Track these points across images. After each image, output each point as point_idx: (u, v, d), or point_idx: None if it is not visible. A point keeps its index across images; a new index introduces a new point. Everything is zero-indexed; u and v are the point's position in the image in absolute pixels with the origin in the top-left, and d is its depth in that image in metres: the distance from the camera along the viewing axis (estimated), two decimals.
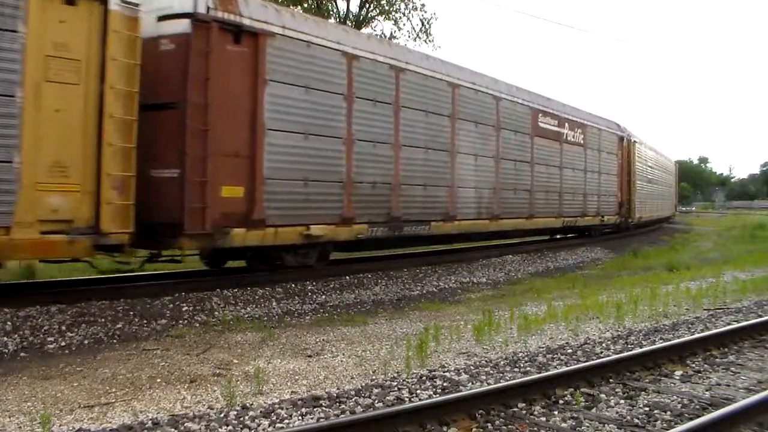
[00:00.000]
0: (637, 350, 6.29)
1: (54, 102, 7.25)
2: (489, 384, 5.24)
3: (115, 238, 7.77)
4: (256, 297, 9.51)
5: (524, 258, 16.76)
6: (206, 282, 9.71)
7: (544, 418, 4.55)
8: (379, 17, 28.66)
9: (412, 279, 12.46)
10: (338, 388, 5.19)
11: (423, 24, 28.12)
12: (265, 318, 8.73)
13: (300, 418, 4.48)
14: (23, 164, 6.98)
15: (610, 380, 5.44)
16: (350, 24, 26.10)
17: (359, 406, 4.70)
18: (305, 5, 25.46)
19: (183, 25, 8.59)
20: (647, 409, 4.79)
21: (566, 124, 18.94)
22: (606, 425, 4.43)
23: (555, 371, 5.43)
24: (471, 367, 5.88)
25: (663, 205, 34.98)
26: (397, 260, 13.92)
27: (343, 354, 6.48)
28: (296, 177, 10.02)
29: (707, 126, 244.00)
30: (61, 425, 4.35)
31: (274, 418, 4.46)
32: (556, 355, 6.33)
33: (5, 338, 6.84)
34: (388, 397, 4.93)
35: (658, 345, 6.50)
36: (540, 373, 5.51)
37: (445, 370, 5.79)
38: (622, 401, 4.96)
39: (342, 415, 4.48)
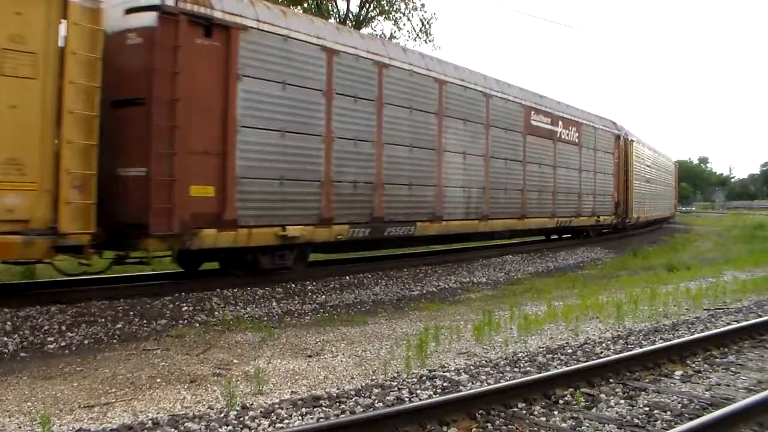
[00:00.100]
0: (637, 350, 6.28)
1: (9, 97, 6.96)
2: (489, 384, 5.24)
3: (75, 239, 7.43)
4: (256, 297, 9.51)
5: (524, 258, 16.76)
6: (206, 282, 9.69)
7: (544, 418, 4.55)
8: (379, 17, 28.72)
9: (412, 279, 12.46)
10: (338, 388, 5.19)
11: (423, 24, 28.19)
12: (265, 318, 8.73)
13: (300, 418, 4.48)
14: None
15: (610, 380, 5.44)
16: (350, 24, 26.11)
17: (359, 406, 4.70)
18: (305, 5, 25.47)
19: (150, 18, 8.30)
20: (647, 409, 4.79)
21: (560, 122, 18.61)
22: (606, 425, 4.43)
23: (555, 371, 5.43)
24: (471, 367, 5.87)
25: (662, 205, 34.79)
26: (397, 260, 13.92)
27: (343, 354, 6.48)
28: (272, 176, 9.67)
29: (707, 126, 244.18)
30: (61, 425, 4.35)
31: (274, 418, 4.45)
32: (556, 355, 6.33)
33: (5, 338, 6.85)
34: (388, 397, 4.93)
35: (658, 345, 6.50)
36: (540, 373, 5.51)
37: (445, 370, 5.79)
38: (622, 401, 4.96)
39: (342, 415, 4.48)
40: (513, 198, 16.08)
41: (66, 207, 7.34)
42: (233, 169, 9.12)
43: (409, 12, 28.03)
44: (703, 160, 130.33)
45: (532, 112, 17.01)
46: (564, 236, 21.44)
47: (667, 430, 4.30)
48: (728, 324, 7.85)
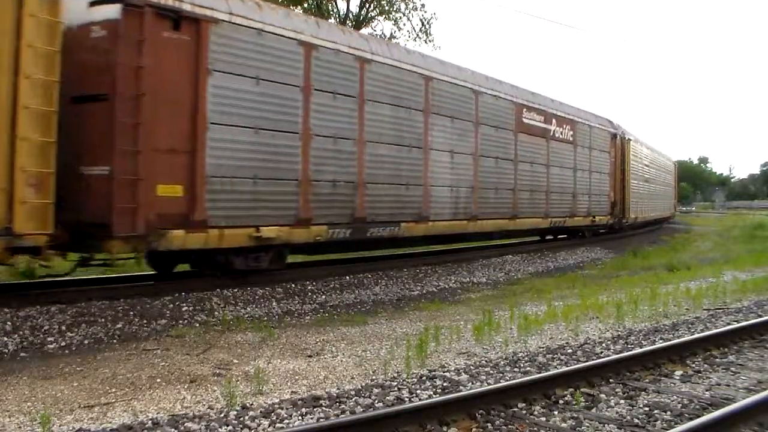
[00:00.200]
0: (637, 350, 6.29)
1: None
2: (489, 384, 5.24)
3: (32, 239, 7.09)
4: (256, 297, 9.51)
5: (524, 258, 16.76)
6: (206, 282, 9.69)
7: (544, 418, 4.55)
8: (379, 17, 28.75)
9: (412, 279, 12.46)
10: (338, 388, 5.19)
11: (423, 24, 28.20)
12: (265, 318, 8.73)
13: (300, 418, 4.48)
14: None
15: (610, 380, 5.44)
16: (350, 24, 26.13)
17: (359, 406, 4.70)
18: (305, 5, 25.49)
19: (114, 11, 7.97)
20: (647, 409, 4.79)
21: (554, 120, 18.21)
22: (606, 425, 4.44)
23: (555, 371, 5.43)
24: (471, 367, 5.88)
25: (661, 205, 34.61)
26: (397, 260, 13.92)
27: (343, 354, 6.48)
28: (245, 175, 9.28)
29: (707, 126, 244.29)
30: (61, 425, 4.35)
31: (274, 418, 4.45)
32: (556, 355, 6.33)
33: (5, 338, 6.85)
34: (388, 397, 4.93)
35: (658, 345, 6.50)
36: (540, 373, 5.51)
37: (445, 370, 5.79)
38: (622, 401, 4.96)
39: (342, 415, 4.48)
40: (504, 198, 15.63)
41: (21, 206, 7.00)
42: (203, 168, 8.74)
43: (409, 12, 28.08)
44: (703, 160, 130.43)
45: (524, 110, 16.59)
46: (559, 237, 21.19)
47: (667, 430, 4.30)
48: (728, 324, 7.85)
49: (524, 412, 4.67)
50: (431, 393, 5.07)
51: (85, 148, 8.01)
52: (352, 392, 5.04)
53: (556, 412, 4.68)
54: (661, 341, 6.88)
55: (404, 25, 28.28)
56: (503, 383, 5.10)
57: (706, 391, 5.30)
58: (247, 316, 8.71)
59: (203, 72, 8.74)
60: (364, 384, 5.32)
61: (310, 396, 4.95)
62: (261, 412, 4.54)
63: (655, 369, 5.86)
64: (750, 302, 9.69)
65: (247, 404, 4.74)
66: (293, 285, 10.38)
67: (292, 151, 10.02)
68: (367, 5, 28.01)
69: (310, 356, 6.41)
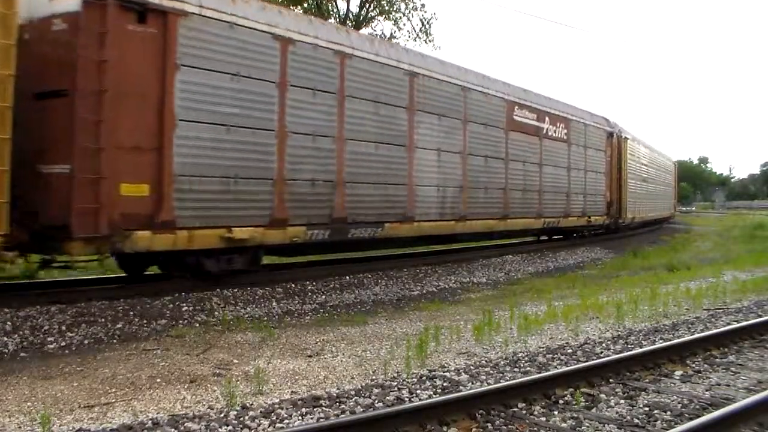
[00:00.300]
0: (637, 350, 6.29)
1: None
2: (489, 384, 5.24)
3: None
4: (256, 297, 9.51)
5: (524, 258, 16.76)
6: (206, 282, 9.69)
7: (544, 418, 4.55)
8: (379, 17, 28.76)
9: (412, 279, 12.46)
10: (338, 388, 5.19)
11: (423, 24, 28.21)
12: (265, 318, 8.73)
13: (300, 418, 4.48)
14: None
15: (610, 380, 5.45)
16: (350, 24, 26.14)
17: (359, 406, 4.70)
18: (305, 5, 25.49)
19: (74, 3, 7.64)
20: (647, 409, 4.79)
21: (546, 118, 17.63)
22: (606, 425, 4.44)
23: (555, 371, 5.44)
24: (471, 367, 5.88)
25: (661, 205, 34.46)
26: (397, 260, 13.93)
27: (343, 354, 6.48)
28: (216, 174, 8.89)
29: (707, 126, 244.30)
30: (61, 425, 4.35)
31: (274, 418, 4.46)
32: (556, 355, 6.33)
33: (5, 338, 6.85)
34: (388, 397, 4.93)
35: (658, 345, 6.50)
36: (540, 373, 5.51)
37: (445, 370, 5.79)
38: (622, 401, 4.96)
39: (342, 415, 4.48)
40: (494, 198, 15.18)
41: None
42: (170, 166, 8.35)
43: (409, 12, 28.09)
44: (703, 160, 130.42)
45: (516, 107, 16.05)
46: (555, 237, 20.87)
47: (667, 430, 4.30)
48: (728, 324, 7.85)
49: (524, 412, 4.67)
50: (431, 393, 5.07)
51: (44, 145, 7.74)
52: (352, 392, 5.04)
53: (556, 412, 4.68)
54: (661, 341, 6.88)
55: (404, 25, 28.32)
56: (503, 383, 5.11)
57: (706, 391, 5.30)
58: (247, 316, 8.71)
59: (171, 67, 8.36)
60: (364, 384, 5.32)
61: (310, 396, 4.95)
62: (261, 412, 4.54)
63: (655, 369, 5.86)
64: (750, 302, 9.69)
65: (247, 404, 4.74)
66: (293, 285, 10.39)
67: (267, 149, 9.65)
68: (367, 5, 28.03)
69: (310, 356, 6.41)
